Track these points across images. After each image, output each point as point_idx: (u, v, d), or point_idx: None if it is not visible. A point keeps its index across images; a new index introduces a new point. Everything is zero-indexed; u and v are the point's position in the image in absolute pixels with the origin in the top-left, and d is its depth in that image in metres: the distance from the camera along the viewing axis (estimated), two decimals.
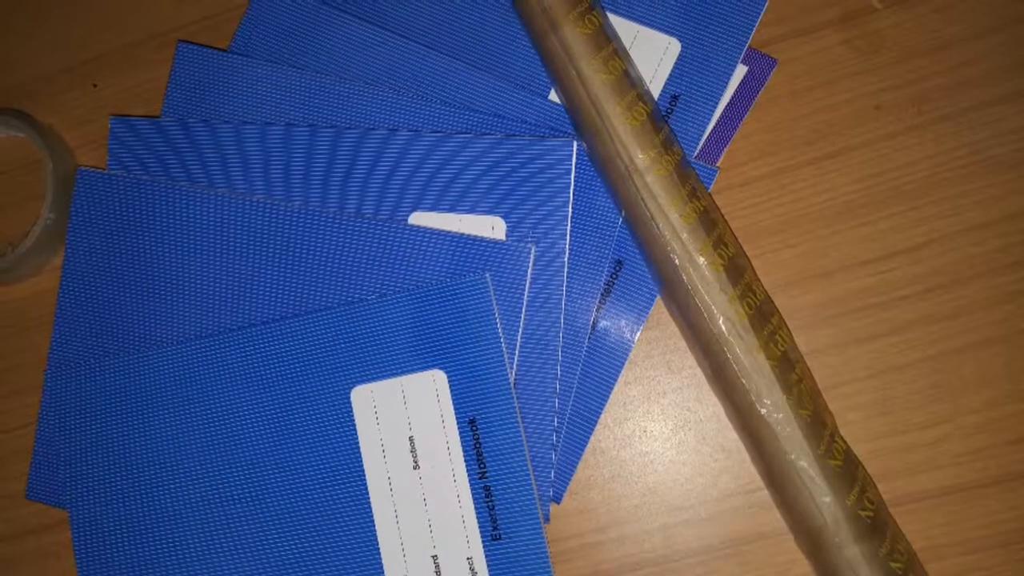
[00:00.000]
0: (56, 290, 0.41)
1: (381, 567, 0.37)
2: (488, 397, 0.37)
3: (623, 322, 0.39)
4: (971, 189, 0.38)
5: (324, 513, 0.37)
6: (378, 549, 0.37)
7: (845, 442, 0.35)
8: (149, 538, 0.38)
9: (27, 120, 0.42)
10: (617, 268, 0.39)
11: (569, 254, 0.39)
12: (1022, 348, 0.38)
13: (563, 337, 0.38)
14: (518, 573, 0.36)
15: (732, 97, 0.40)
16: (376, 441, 0.38)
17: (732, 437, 0.38)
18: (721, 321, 0.35)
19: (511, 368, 0.38)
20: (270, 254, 0.39)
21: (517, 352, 0.38)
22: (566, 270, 0.38)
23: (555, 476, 0.38)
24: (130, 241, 0.40)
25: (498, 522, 0.37)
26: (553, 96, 0.40)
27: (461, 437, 0.37)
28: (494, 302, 0.38)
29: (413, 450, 0.37)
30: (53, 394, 0.40)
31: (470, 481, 0.37)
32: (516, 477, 0.37)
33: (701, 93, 0.39)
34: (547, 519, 0.38)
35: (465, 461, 0.37)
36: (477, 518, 0.37)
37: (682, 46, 0.40)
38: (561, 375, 0.38)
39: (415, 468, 0.37)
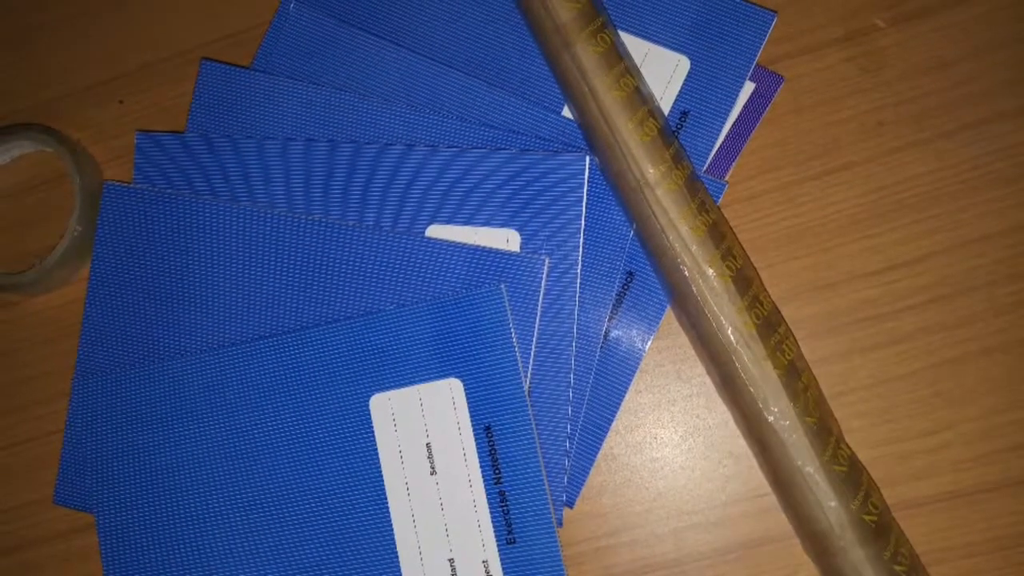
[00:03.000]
0: (83, 300, 0.41)
1: (399, 570, 0.37)
2: (503, 405, 0.38)
3: (634, 332, 0.39)
4: (972, 203, 0.39)
5: (344, 518, 0.38)
6: (396, 552, 0.37)
7: (850, 448, 0.36)
8: (173, 541, 0.39)
9: (55, 135, 0.43)
10: (628, 279, 0.39)
11: (582, 266, 0.39)
12: (1022, 357, 0.38)
13: (576, 346, 0.39)
14: None
15: (740, 113, 0.40)
16: (394, 448, 0.38)
17: (740, 444, 0.39)
18: (729, 331, 0.35)
19: (525, 376, 0.38)
20: (291, 266, 0.40)
21: (531, 361, 0.38)
22: (579, 281, 0.39)
23: (568, 481, 0.39)
24: (155, 253, 0.41)
25: (513, 526, 0.37)
26: (566, 112, 0.40)
27: (477, 444, 0.38)
28: (509, 312, 0.38)
29: (430, 456, 0.38)
30: (80, 401, 0.40)
31: (485, 486, 0.37)
32: (530, 482, 0.37)
33: (710, 109, 0.40)
34: (560, 523, 0.38)
35: (481, 467, 0.37)
36: (492, 522, 0.37)
37: (691, 64, 0.40)
38: (574, 383, 0.39)
39: (432, 474, 0.38)
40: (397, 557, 0.37)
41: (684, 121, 0.40)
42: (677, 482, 0.39)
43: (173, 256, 0.41)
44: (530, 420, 0.37)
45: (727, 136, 0.40)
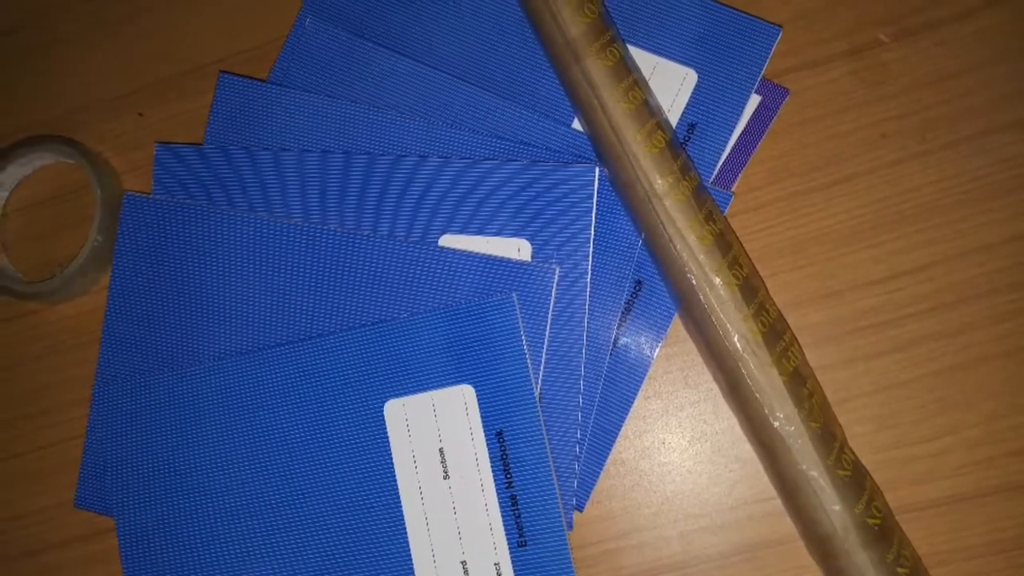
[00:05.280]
0: (104, 309, 0.42)
1: (413, 572, 0.38)
2: (514, 410, 0.38)
3: (643, 339, 0.40)
4: (973, 213, 0.39)
5: (358, 521, 0.38)
6: (410, 555, 0.38)
7: (854, 453, 0.36)
8: (191, 544, 0.39)
9: (77, 147, 0.43)
10: (637, 288, 0.40)
11: (591, 275, 0.39)
12: (1022, 364, 0.38)
13: (586, 353, 0.39)
14: None
15: (746, 125, 0.40)
16: (408, 453, 0.38)
17: (746, 448, 0.39)
18: (736, 338, 0.36)
19: (536, 383, 0.38)
20: (307, 275, 0.40)
21: (542, 368, 0.39)
22: (588, 290, 0.39)
23: (578, 485, 0.39)
24: (174, 262, 0.41)
25: (524, 529, 0.37)
26: (576, 124, 0.41)
27: (489, 449, 0.38)
28: (520, 320, 0.38)
29: (443, 461, 0.38)
30: (101, 407, 0.40)
31: (497, 490, 0.38)
32: (541, 486, 0.37)
33: (717, 121, 0.40)
34: (570, 526, 0.38)
35: (493, 471, 0.38)
36: (504, 526, 0.37)
37: (699, 77, 0.40)
38: (584, 389, 0.39)
39: (445, 478, 0.38)
40: (411, 560, 0.38)
41: (691, 133, 0.40)
42: (685, 486, 0.39)
43: (191, 265, 0.41)
44: (541, 425, 0.38)
45: (733, 148, 0.40)
